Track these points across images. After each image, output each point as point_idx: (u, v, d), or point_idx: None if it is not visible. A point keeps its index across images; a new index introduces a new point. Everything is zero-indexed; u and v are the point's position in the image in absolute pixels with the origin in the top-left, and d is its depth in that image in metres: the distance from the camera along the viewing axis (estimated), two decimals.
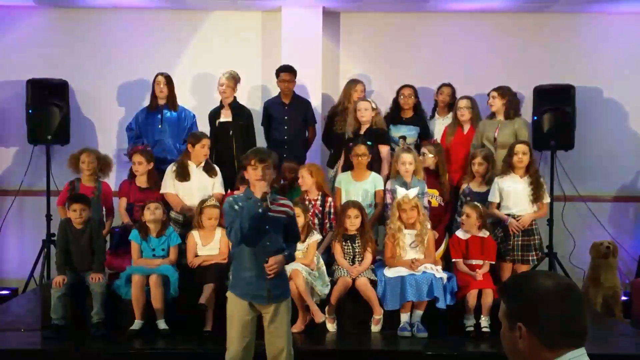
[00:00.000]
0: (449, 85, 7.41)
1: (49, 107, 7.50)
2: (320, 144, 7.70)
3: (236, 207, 4.29)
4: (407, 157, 6.30)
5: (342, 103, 7.23)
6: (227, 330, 4.39)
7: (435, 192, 6.54)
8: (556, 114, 7.54)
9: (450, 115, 7.28)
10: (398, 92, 7.27)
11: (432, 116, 7.49)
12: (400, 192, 5.97)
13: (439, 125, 7.37)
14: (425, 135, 7.18)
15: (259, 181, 4.28)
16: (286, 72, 7.22)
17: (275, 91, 7.51)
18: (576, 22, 8.21)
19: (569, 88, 7.58)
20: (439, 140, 7.06)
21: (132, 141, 7.03)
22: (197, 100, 7.86)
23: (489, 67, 8.04)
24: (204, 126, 7.24)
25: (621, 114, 8.21)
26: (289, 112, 7.27)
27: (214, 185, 6.49)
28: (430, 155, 6.56)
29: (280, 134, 7.24)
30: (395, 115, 7.27)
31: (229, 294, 4.43)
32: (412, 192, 5.95)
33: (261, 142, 7.40)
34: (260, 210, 4.22)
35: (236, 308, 4.35)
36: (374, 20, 8.24)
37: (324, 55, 7.95)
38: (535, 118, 7.61)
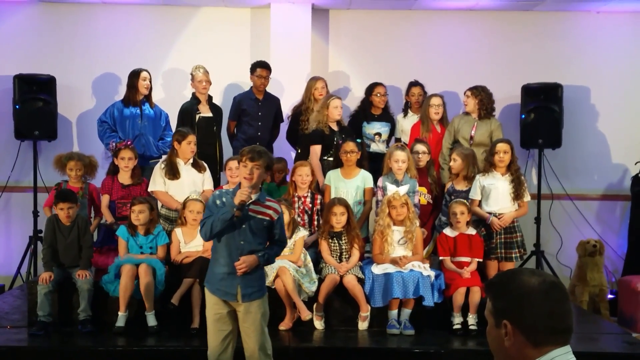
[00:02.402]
0: (418, 84, 7.41)
1: (36, 103, 7.45)
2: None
3: (218, 202, 4.32)
4: (400, 155, 6.30)
5: (304, 102, 7.21)
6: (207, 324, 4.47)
7: (424, 189, 6.55)
8: (544, 112, 7.58)
9: None
10: (371, 91, 7.29)
11: (406, 114, 7.49)
12: (391, 188, 5.98)
13: (412, 123, 7.36)
14: (392, 133, 7.29)
15: (245, 179, 4.28)
16: (263, 68, 7.20)
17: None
18: (564, 21, 8.24)
19: (556, 87, 7.63)
20: (408, 139, 7.16)
21: (106, 134, 6.97)
22: (185, 97, 7.82)
23: (477, 65, 8.08)
24: (175, 123, 7.18)
25: (608, 113, 8.25)
26: (262, 108, 7.25)
27: (204, 181, 6.47)
28: (426, 154, 6.58)
29: (254, 129, 7.20)
30: (366, 112, 7.30)
31: (205, 288, 4.47)
32: (403, 189, 5.96)
33: (224, 135, 7.39)
34: (232, 215, 4.20)
35: (210, 302, 4.40)
36: (363, 17, 8.25)
37: (312, 52, 7.95)
38: (523, 116, 7.65)
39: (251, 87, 7.32)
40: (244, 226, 4.30)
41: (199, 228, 4.44)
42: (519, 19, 8.23)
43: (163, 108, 7.28)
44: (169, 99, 7.76)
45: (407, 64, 8.12)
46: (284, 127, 7.51)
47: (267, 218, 4.38)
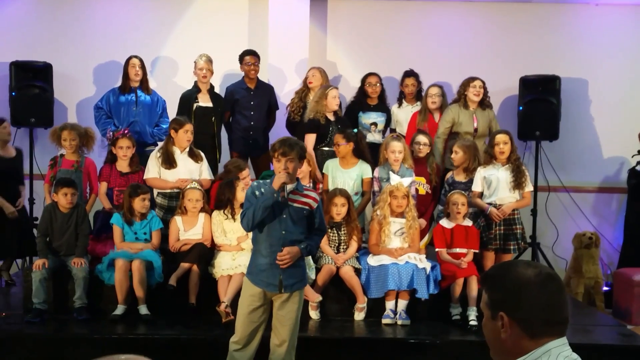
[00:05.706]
0: (412, 74, 7.40)
1: (32, 90, 7.42)
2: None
3: (257, 193, 4.31)
4: (397, 146, 6.28)
5: (304, 90, 7.17)
6: (237, 313, 4.49)
7: (423, 179, 6.54)
8: (541, 104, 7.57)
9: (418, 103, 7.30)
10: (364, 80, 7.32)
11: (400, 104, 7.49)
12: (395, 178, 5.96)
13: (407, 114, 7.38)
14: (388, 123, 7.29)
15: (280, 173, 4.27)
16: (251, 55, 7.17)
17: (263, 76, 7.46)
18: (562, 13, 8.22)
19: (554, 79, 7.62)
20: (403, 129, 7.18)
21: (102, 121, 6.97)
22: (182, 84, 7.79)
23: (475, 57, 8.06)
24: (173, 111, 7.13)
25: (606, 105, 8.24)
26: (255, 97, 7.21)
27: (201, 171, 6.44)
28: (427, 146, 6.57)
29: (247, 120, 7.17)
30: (362, 102, 7.30)
31: (245, 278, 4.49)
32: (407, 181, 5.95)
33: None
34: (275, 200, 4.20)
35: (248, 293, 4.41)
36: (362, 7, 8.22)
37: (310, 42, 7.91)
38: (521, 108, 7.64)
39: (243, 77, 7.29)
40: (284, 216, 4.29)
41: (240, 220, 4.43)
42: (518, 11, 8.20)
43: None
44: (164, 86, 7.71)
45: (405, 54, 8.09)
46: (280, 115, 7.47)
47: (307, 207, 4.38)
